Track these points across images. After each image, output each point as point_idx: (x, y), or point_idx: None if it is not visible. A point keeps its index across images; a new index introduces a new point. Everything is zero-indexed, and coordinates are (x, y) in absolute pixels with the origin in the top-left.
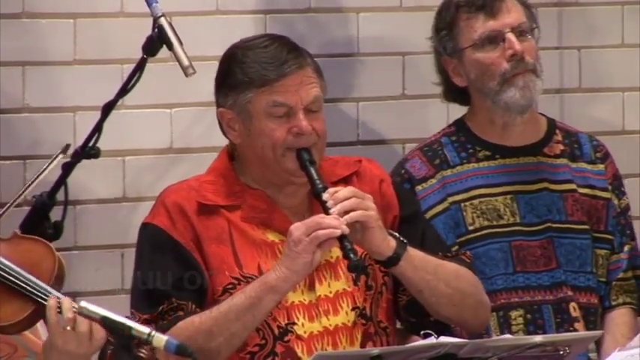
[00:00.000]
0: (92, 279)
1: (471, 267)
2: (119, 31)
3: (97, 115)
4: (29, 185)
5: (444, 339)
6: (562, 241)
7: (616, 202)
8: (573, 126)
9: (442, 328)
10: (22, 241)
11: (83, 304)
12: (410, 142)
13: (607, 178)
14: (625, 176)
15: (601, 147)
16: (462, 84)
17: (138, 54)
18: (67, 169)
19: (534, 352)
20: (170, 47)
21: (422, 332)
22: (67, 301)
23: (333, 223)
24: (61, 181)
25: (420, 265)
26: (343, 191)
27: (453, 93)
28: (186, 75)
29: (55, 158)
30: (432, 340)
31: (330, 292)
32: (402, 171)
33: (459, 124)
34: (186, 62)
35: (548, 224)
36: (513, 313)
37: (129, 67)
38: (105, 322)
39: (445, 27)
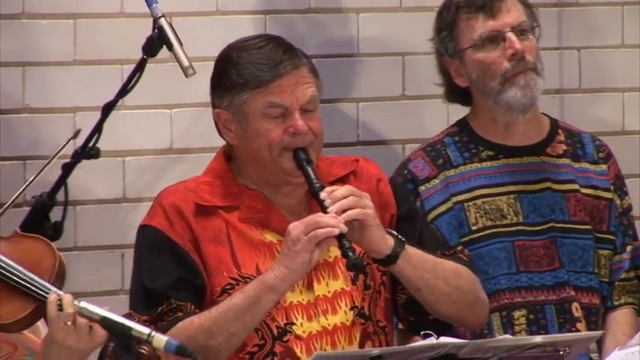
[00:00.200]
0: (92, 279)
1: (469, 265)
2: (119, 32)
3: (97, 115)
4: (39, 173)
5: (444, 339)
6: (565, 241)
7: (618, 202)
8: (574, 126)
9: (441, 328)
10: (23, 240)
11: (83, 304)
12: (410, 143)
13: (609, 179)
14: (625, 176)
15: (604, 147)
16: (464, 84)
17: (138, 54)
18: (67, 169)
19: (534, 353)
20: (170, 48)
21: (422, 333)
22: (67, 297)
23: (331, 221)
24: (61, 182)
25: (419, 264)
26: (340, 190)
27: (455, 94)
28: (186, 75)
29: (65, 144)
30: (432, 340)
31: (329, 292)
32: (405, 171)
33: (462, 124)
34: (186, 63)
35: (552, 224)
36: (516, 313)
37: (129, 68)
38: (105, 322)
39: (446, 28)
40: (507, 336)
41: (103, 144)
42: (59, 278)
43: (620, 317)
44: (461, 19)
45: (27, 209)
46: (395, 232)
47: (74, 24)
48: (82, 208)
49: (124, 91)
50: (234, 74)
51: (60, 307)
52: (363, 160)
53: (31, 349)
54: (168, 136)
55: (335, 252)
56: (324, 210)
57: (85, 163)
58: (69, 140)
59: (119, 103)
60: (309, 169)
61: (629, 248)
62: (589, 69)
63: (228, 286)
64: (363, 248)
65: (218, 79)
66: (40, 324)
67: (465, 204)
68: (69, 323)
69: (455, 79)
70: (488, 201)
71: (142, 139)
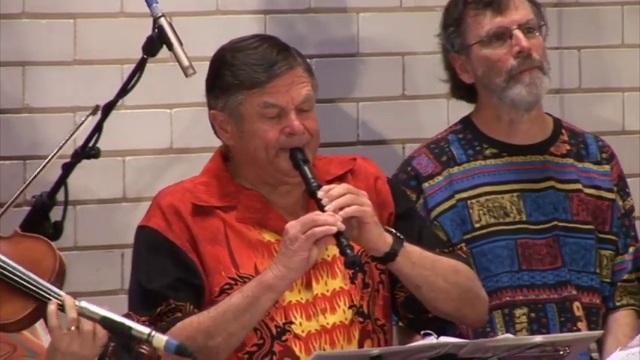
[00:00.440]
0: (92, 279)
1: (467, 262)
2: (119, 32)
3: (97, 115)
4: (42, 168)
5: (444, 339)
6: (568, 240)
7: (621, 203)
8: (577, 126)
9: (441, 326)
10: (23, 239)
11: (83, 304)
12: (410, 142)
13: (612, 179)
14: (625, 176)
15: (607, 148)
16: (470, 81)
17: (138, 54)
18: (67, 169)
19: (534, 352)
20: (170, 47)
21: (422, 332)
22: (69, 299)
23: (329, 220)
24: (61, 181)
25: (418, 261)
26: (337, 188)
27: (461, 90)
28: (186, 75)
29: (85, 120)
30: (432, 340)
31: (327, 291)
32: (409, 168)
33: (466, 122)
34: (186, 62)
35: (555, 222)
36: (517, 311)
37: (129, 67)
38: (105, 322)
39: (453, 23)
40: (508, 335)
41: (103, 144)
42: (59, 278)
43: (622, 318)
44: (468, 15)
45: (27, 209)
46: (393, 230)
47: (74, 24)
48: (82, 208)
49: (124, 90)
50: (229, 75)
51: (62, 309)
52: (360, 158)
53: (31, 350)
54: (168, 136)
55: (333, 251)
56: (322, 209)
57: (85, 163)
58: (88, 115)
59: (119, 102)
60: (306, 168)
61: (631, 250)
62: (589, 69)
63: (226, 286)
64: (361, 246)
65: (213, 80)
66: (38, 325)
67: (469, 201)
68: (72, 328)
69: (460, 76)
70: (491, 199)
71: (142, 139)
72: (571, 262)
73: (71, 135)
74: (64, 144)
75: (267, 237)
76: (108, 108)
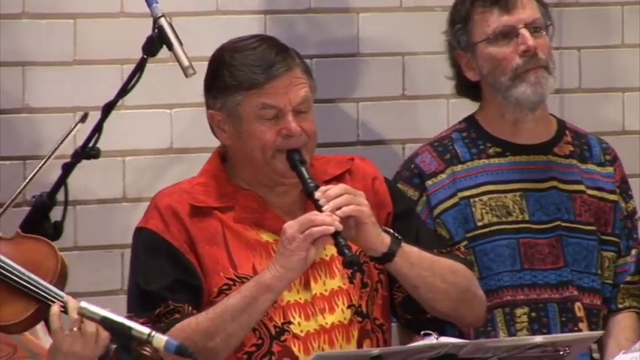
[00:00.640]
0: (92, 279)
1: (465, 262)
2: (119, 31)
3: (97, 115)
4: (41, 166)
5: (444, 339)
6: (570, 240)
7: (623, 205)
8: (580, 127)
9: (439, 326)
10: (25, 241)
11: (83, 304)
12: (410, 143)
13: (615, 181)
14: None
15: (610, 149)
16: (475, 78)
17: (138, 54)
18: (67, 169)
19: (534, 353)
20: (170, 47)
21: (422, 332)
22: (72, 301)
23: (327, 219)
24: (61, 182)
25: (416, 261)
26: (334, 189)
27: (465, 88)
28: (186, 75)
29: (74, 127)
30: (432, 340)
31: (326, 291)
32: (412, 165)
33: (470, 121)
34: (186, 62)
35: (558, 222)
36: (518, 311)
37: (129, 68)
38: (105, 322)
39: (459, 21)
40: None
41: (102, 144)
42: (61, 279)
43: (623, 321)
44: (475, 13)
45: (27, 209)
46: (391, 230)
47: (74, 24)
48: (82, 208)
49: (124, 90)
50: (227, 76)
51: (64, 311)
52: (358, 158)
53: (32, 351)
54: (168, 136)
55: (331, 251)
56: (319, 209)
57: (85, 163)
58: (76, 124)
59: (119, 102)
60: (303, 169)
61: (634, 252)
62: (589, 69)
63: (225, 287)
64: (359, 246)
65: (211, 80)
66: (39, 326)
67: (471, 200)
68: (75, 329)
69: (465, 73)
70: (494, 197)
71: (142, 139)
72: (573, 263)
73: (62, 140)
74: (55, 149)
75: (265, 237)
76: (108, 108)
